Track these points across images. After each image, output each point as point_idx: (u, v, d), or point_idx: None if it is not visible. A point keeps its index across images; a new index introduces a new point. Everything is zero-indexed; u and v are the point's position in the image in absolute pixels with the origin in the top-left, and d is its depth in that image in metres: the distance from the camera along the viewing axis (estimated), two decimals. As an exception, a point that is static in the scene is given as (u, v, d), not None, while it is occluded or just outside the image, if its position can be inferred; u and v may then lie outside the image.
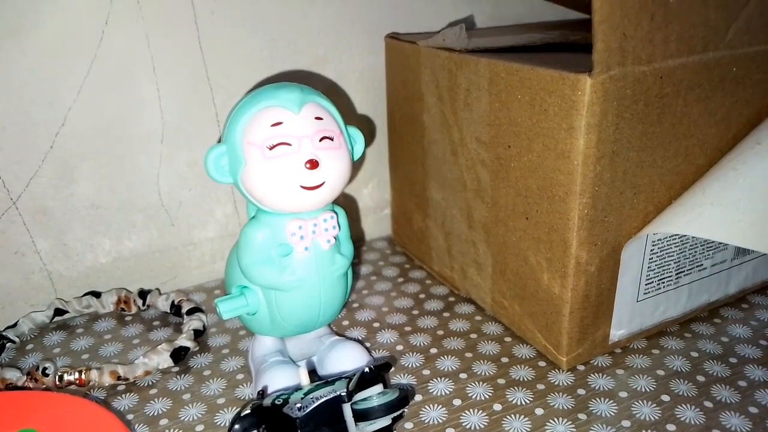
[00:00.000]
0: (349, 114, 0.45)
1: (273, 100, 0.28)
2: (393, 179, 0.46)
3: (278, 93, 0.28)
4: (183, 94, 0.39)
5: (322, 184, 0.28)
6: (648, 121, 0.29)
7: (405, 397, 0.27)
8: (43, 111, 0.36)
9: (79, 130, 0.37)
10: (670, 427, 0.29)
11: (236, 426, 0.26)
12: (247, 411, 0.26)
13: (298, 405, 0.26)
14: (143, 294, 0.39)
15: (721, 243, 0.35)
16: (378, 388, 0.27)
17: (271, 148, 0.28)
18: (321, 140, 0.28)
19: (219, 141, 0.30)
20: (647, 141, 0.30)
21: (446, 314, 0.38)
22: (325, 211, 0.30)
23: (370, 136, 0.47)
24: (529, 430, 0.29)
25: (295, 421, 0.25)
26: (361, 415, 0.26)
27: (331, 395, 0.26)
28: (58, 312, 0.38)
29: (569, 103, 0.28)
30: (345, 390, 0.26)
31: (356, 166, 0.47)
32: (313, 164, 0.28)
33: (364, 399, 0.27)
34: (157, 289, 0.41)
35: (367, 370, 0.27)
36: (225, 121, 0.30)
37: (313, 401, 0.26)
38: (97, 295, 0.39)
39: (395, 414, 0.27)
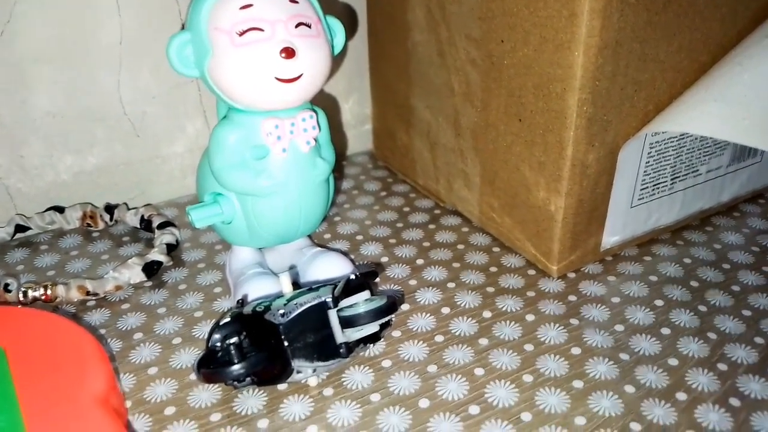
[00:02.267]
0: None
1: (242, -21, 0.25)
2: (374, 91, 0.44)
3: (248, -29, 0.25)
4: (142, -11, 0.35)
5: (300, 76, 0.26)
6: (653, 8, 0.27)
7: (393, 303, 0.26)
8: (-16, 5, 0.32)
9: (27, 28, 0.34)
10: (665, 330, 0.28)
11: (215, 335, 0.24)
12: (227, 319, 0.24)
13: (281, 311, 0.24)
14: (110, 209, 0.37)
15: (717, 147, 0.34)
16: (365, 294, 0.26)
17: (241, 34, 0.25)
18: (297, 26, 0.26)
19: (182, 28, 0.27)
20: (651, 32, 0.28)
21: (432, 226, 0.37)
22: (303, 110, 0.28)
23: (349, 36, 0.43)
24: (520, 335, 0.28)
25: (278, 327, 0.24)
26: (347, 322, 0.25)
27: (316, 301, 0.24)
28: (20, 228, 0.36)
29: (572, -14, 0.26)
30: (330, 296, 0.25)
31: (333, 77, 0.44)
32: (289, 53, 0.25)
33: (351, 306, 0.25)
34: (125, 203, 0.38)
35: (352, 276, 0.25)
36: (188, 4, 0.26)
37: (297, 307, 0.24)
38: (60, 210, 0.37)
39: (383, 321, 0.26)
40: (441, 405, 0.25)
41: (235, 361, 0.23)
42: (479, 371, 0.26)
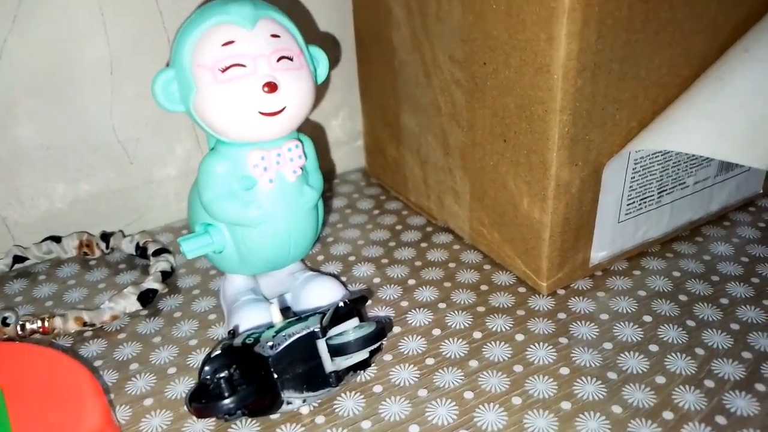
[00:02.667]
0: (311, 35, 0.42)
1: (223, 16, 0.26)
2: (364, 108, 0.44)
3: (228, 8, 0.26)
4: (130, 19, 0.36)
5: (283, 109, 0.26)
6: (632, 28, 0.27)
7: (382, 329, 0.26)
8: (-25, 42, 0.33)
9: (19, 64, 0.34)
10: (653, 347, 0.28)
11: (206, 368, 0.24)
12: (217, 352, 0.25)
13: (270, 343, 0.24)
14: (106, 237, 0.38)
15: (704, 159, 0.34)
16: (354, 321, 0.26)
17: (224, 70, 0.25)
18: (279, 60, 0.26)
19: (168, 65, 0.27)
20: (630, 51, 0.28)
21: (424, 245, 0.37)
22: (289, 140, 0.28)
23: (335, 60, 0.44)
24: (510, 356, 0.28)
25: (267, 359, 0.24)
26: (337, 350, 0.25)
27: (304, 331, 0.25)
28: (18, 259, 0.36)
29: (549, 11, 0.26)
30: (319, 325, 0.25)
31: (324, 94, 0.44)
32: (272, 87, 0.25)
33: (340, 334, 0.26)
34: (121, 231, 0.39)
35: (341, 304, 0.26)
36: (172, 41, 0.27)
37: (285, 338, 0.25)
38: (57, 239, 0.37)
39: (372, 347, 0.26)
40: (430, 431, 0.25)
41: (226, 395, 0.24)
42: (468, 395, 0.26)
